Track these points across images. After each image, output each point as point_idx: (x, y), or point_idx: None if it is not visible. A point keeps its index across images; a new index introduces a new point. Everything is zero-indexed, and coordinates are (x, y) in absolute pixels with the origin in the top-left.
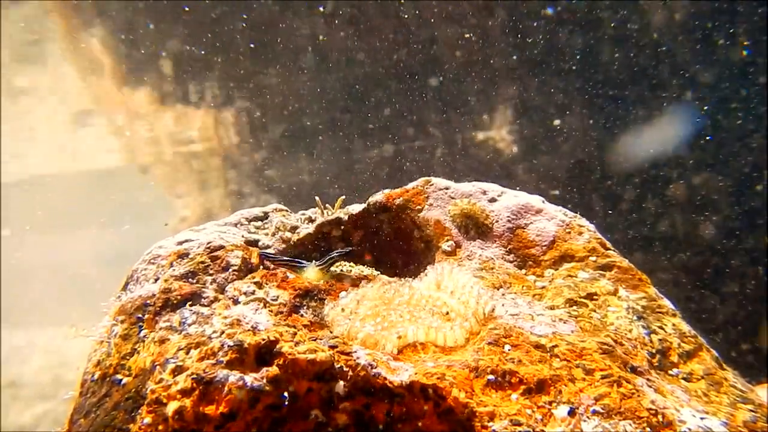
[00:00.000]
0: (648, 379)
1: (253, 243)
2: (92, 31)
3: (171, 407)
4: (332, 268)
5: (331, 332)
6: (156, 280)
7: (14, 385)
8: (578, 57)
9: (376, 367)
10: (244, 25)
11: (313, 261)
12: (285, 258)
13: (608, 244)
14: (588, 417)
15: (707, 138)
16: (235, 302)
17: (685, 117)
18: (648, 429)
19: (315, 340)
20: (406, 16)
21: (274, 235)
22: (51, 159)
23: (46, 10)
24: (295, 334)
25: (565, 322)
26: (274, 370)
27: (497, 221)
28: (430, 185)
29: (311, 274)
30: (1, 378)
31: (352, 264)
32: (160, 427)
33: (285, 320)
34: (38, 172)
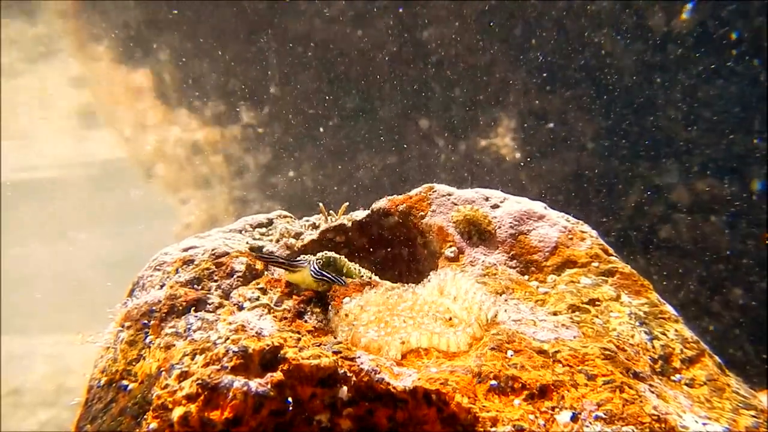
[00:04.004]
0: (650, 385)
1: (258, 250)
2: (98, 34)
3: (176, 412)
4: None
5: (334, 338)
6: (161, 286)
7: (17, 393)
8: (583, 62)
9: (379, 373)
10: (247, 28)
11: (310, 261)
12: (280, 257)
13: (610, 250)
14: (590, 422)
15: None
16: (240, 308)
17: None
18: None
19: (319, 345)
20: (407, 17)
21: (278, 241)
22: (53, 162)
23: (57, 17)
24: (299, 339)
25: (567, 328)
26: (278, 375)
27: (500, 227)
28: (433, 192)
29: (305, 278)
30: (4, 385)
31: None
32: None
33: (289, 326)
34: (40, 177)
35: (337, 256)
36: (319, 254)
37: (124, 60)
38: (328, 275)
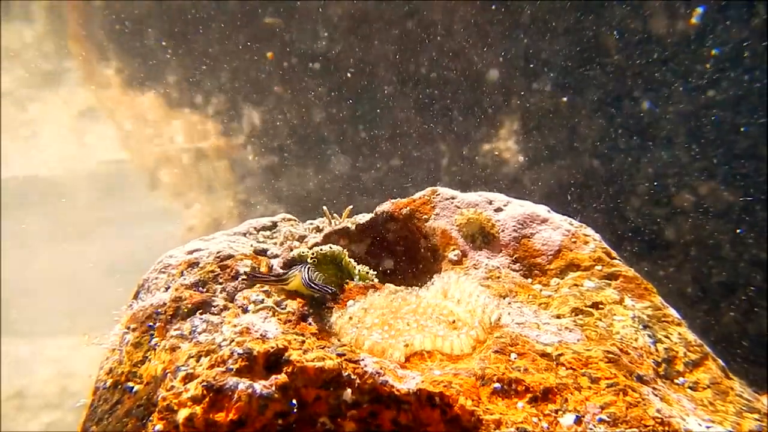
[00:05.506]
0: (654, 388)
1: (262, 252)
2: (104, 50)
3: (182, 414)
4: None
5: (338, 340)
6: (167, 288)
7: (20, 395)
8: (585, 64)
9: (383, 375)
10: (249, 31)
11: (302, 269)
12: (268, 276)
13: (613, 254)
14: (594, 425)
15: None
16: (245, 311)
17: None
18: None
19: (323, 348)
20: (412, 24)
21: (282, 244)
22: (56, 166)
23: (62, 22)
24: (304, 342)
25: (570, 331)
26: (282, 377)
27: (503, 231)
28: (437, 195)
29: (299, 286)
30: (8, 388)
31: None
32: None
33: (293, 328)
34: (43, 180)
35: (338, 249)
36: (315, 249)
37: (131, 73)
38: (318, 286)
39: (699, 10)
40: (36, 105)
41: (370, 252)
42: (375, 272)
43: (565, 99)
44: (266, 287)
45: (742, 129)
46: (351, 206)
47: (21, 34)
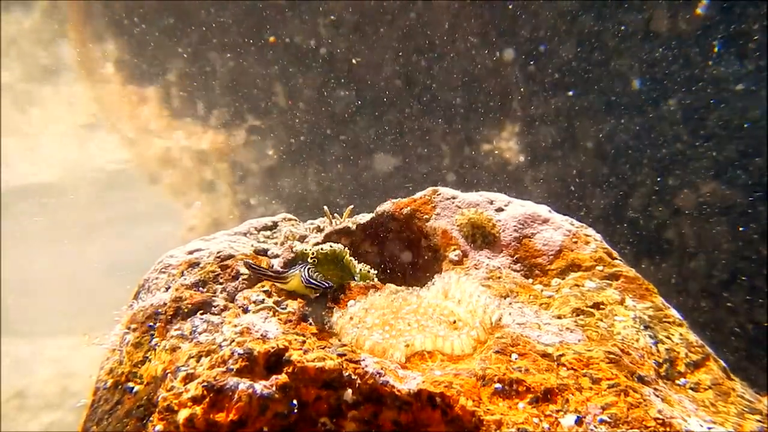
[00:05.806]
0: (655, 389)
1: (263, 252)
2: (104, 47)
3: (182, 415)
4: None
5: (339, 341)
6: (167, 289)
7: (21, 395)
8: (586, 64)
9: (384, 376)
10: (251, 32)
11: (302, 268)
12: (270, 272)
13: (615, 254)
14: (595, 426)
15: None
16: (245, 311)
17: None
18: None
19: (324, 348)
20: (413, 22)
21: (282, 244)
22: (57, 167)
23: (61, 24)
24: (304, 342)
25: (572, 332)
26: (283, 377)
27: (504, 231)
28: (438, 195)
29: (298, 286)
30: (9, 388)
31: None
32: None
33: (294, 328)
34: (44, 182)
35: (339, 248)
36: (316, 248)
37: (131, 70)
38: (317, 282)
39: (704, 1)
40: (36, 105)
41: (370, 251)
42: (376, 271)
43: (570, 93)
44: (266, 287)
45: (744, 126)
46: (352, 206)
47: (20, 24)
